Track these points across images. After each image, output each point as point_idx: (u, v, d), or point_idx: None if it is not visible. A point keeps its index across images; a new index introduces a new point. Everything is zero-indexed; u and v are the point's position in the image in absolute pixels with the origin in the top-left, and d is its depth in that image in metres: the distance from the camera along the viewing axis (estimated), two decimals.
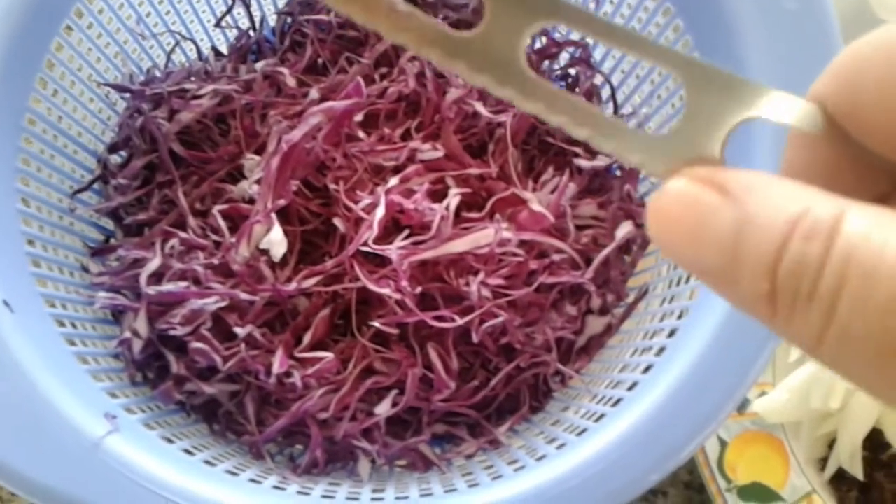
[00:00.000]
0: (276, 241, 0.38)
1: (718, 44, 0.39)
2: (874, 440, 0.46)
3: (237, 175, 0.44)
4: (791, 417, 0.46)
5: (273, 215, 0.39)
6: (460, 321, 0.38)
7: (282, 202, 0.40)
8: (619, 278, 0.44)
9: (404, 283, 0.37)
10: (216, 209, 0.42)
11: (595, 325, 0.43)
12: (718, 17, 0.38)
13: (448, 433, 0.41)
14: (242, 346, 0.38)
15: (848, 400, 0.45)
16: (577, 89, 0.50)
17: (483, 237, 0.40)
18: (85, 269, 0.42)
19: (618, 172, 0.47)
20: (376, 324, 0.38)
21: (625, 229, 0.43)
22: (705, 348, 0.34)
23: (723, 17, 0.38)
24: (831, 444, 0.47)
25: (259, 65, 0.47)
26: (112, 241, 0.45)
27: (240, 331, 0.38)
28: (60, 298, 0.38)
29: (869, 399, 0.46)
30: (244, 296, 0.38)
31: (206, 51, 0.51)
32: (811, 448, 0.48)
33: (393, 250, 0.38)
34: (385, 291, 0.38)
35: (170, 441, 0.36)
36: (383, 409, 0.39)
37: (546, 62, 0.50)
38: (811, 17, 0.37)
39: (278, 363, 0.38)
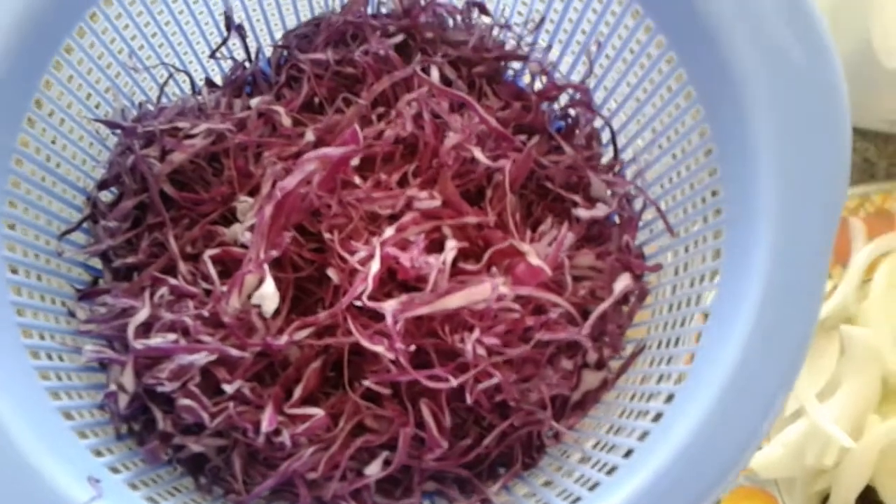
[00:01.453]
0: (268, 295, 0.38)
1: (723, 96, 0.38)
2: (868, 498, 0.46)
3: (230, 217, 0.43)
4: (785, 473, 0.46)
5: (266, 267, 0.38)
6: (455, 382, 0.37)
7: (275, 253, 0.39)
8: (616, 331, 0.44)
9: (399, 345, 0.36)
10: (207, 255, 0.41)
11: (591, 380, 0.43)
12: (723, 69, 0.38)
13: (438, 490, 0.41)
14: (230, 403, 0.37)
15: (842, 457, 0.45)
16: (576, 131, 0.49)
17: (479, 293, 0.39)
18: (72, 314, 0.41)
19: (616, 220, 0.47)
20: (369, 383, 0.38)
21: (623, 283, 0.43)
22: (705, 417, 0.34)
23: (727, 70, 0.38)
24: (825, 500, 0.47)
25: (254, 101, 0.46)
26: (100, 282, 0.44)
27: (228, 388, 0.37)
28: (45, 348, 0.38)
29: (863, 456, 0.45)
30: (234, 352, 0.37)
31: (200, 82, 0.50)
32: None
33: (388, 308, 0.37)
34: (379, 349, 0.37)
35: (155, 503, 0.35)
36: (374, 470, 0.38)
37: (546, 103, 0.49)
38: (819, 72, 0.37)
39: (267, 421, 0.37)
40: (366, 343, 0.37)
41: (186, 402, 0.37)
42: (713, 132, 0.40)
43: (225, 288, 0.39)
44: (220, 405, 0.37)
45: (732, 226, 0.38)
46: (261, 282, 0.39)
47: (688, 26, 0.39)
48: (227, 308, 0.38)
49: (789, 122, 0.36)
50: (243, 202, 0.42)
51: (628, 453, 0.36)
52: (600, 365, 0.43)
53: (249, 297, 0.39)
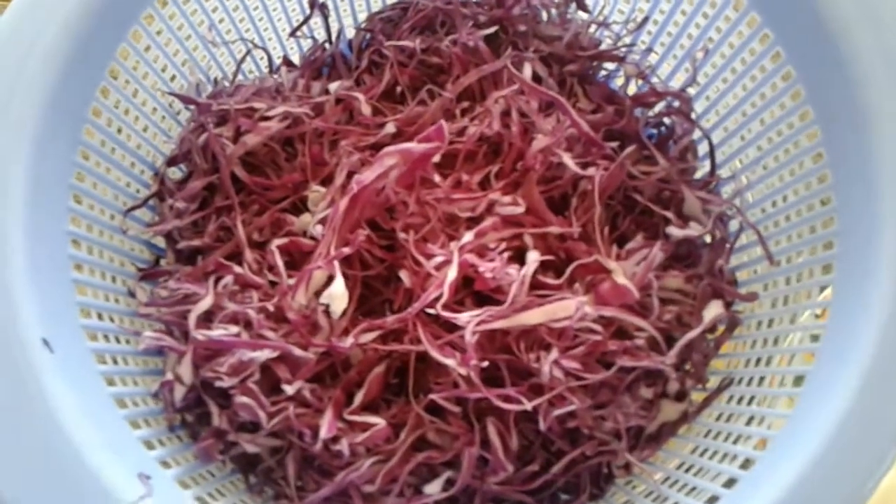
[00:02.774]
0: (338, 294, 0.35)
1: (845, 120, 0.35)
2: None
3: (300, 206, 0.41)
4: None
5: (336, 264, 0.36)
6: (529, 405, 0.35)
7: (347, 250, 0.37)
8: (701, 361, 0.40)
9: (473, 361, 0.34)
10: (275, 244, 0.39)
11: (669, 411, 0.40)
12: (848, 90, 0.34)
13: None
14: (289, 404, 0.35)
15: None
16: (671, 142, 0.46)
17: (561, 310, 0.36)
18: (131, 295, 0.39)
19: (707, 240, 0.43)
20: (436, 398, 0.35)
21: (714, 310, 0.39)
22: (808, 472, 0.30)
23: (853, 91, 0.34)
24: None
25: (333, 86, 0.43)
26: (162, 262, 0.42)
27: (289, 388, 0.35)
28: (103, 330, 0.36)
29: None
30: (298, 351, 0.35)
31: (278, 60, 0.48)
32: None
33: (464, 320, 0.35)
34: (450, 362, 0.35)
35: None
36: (434, 488, 0.35)
37: (639, 109, 0.46)
38: None
39: (326, 428, 0.35)
40: (436, 355, 0.35)
41: (244, 399, 0.35)
42: (830, 157, 0.36)
43: (292, 281, 0.37)
44: (278, 405, 0.35)
45: (846, 261, 0.35)
46: (330, 279, 0.36)
47: (811, 38, 0.36)
48: (292, 303, 0.36)
49: None
50: (315, 192, 0.40)
51: (712, 499, 0.33)
52: (681, 396, 0.40)
53: (317, 293, 0.37)
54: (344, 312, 0.38)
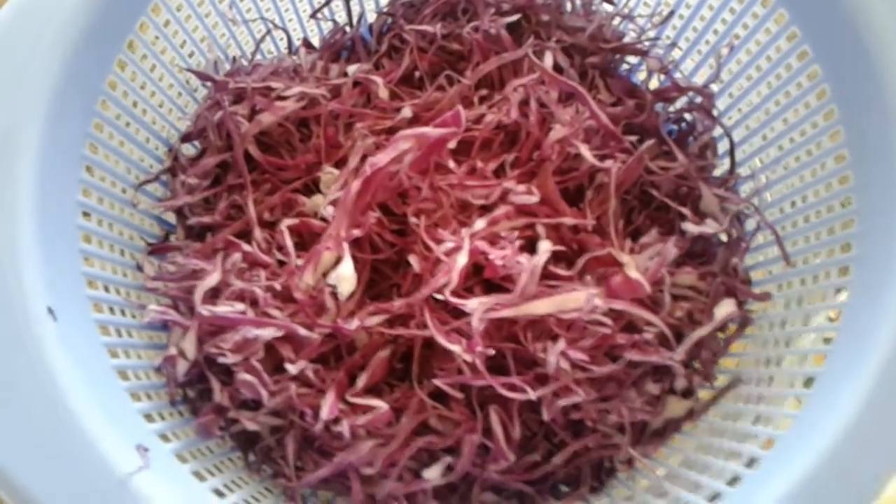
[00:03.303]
0: (346, 276, 0.35)
1: (871, 120, 0.34)
2: None
3: (312, 187, 0.41)
4: None
5: (345, 245, 0.36)
6: (534, 395, 0.34)
7: (357, 232, 0.36)
8: (710, 359, 0.40)
9: (479, 348, 0.33)
10: (285, 224, 0.38)
11: (675, 407, 0.39)
12: (876, 89, 0.34)
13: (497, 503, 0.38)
14: (292, 384, 0.35)
15: None
16: (690, 138, 0.45)
17: (571, 301, 0.36)
18: (139, 268, 0.39)
19: (722, 238, 0.43)
20: (440, 383, 0.35)
21: (726, 309, 0.39)
22: (810, 475, 0.30)
23: (881, 91, 0.34)
24: None
25: (351, 69, 0.43)
26: (171, 237, 0.42)
27: (292, 368, 0.35)
28: (108, 302, 0.36)
29: None
30: (303, 331, 0.35)
31: (297, 42, 0.48)
32: None
33: (472, 307, 0.34)
34: (456, 349, 0.34)
35: (201, 478, 0.33)
36: (434, 474, 0.35)
37: (660, 104, 0.45)
38: None
39: (328, 409, 0.34)
40: (442, 341, 0.35)
41: (247, 377, 0.34)
42: (853, 158, 0.36)
43: (300, 261, 0.37)
44: (280, 384, 0.35)
45: (864, 265, 0.34)
46: (338, 261, 0.36)
47: (839, 37, 0.35)
48: (299, 283, 0.36)
49: None
50: (328, 173, 0.40)
51: (714, 497, 0.33)
52: (688, 393, 0.40)
53: (325, 274, 0.37)
54: (351, 295, 0.38)
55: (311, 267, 0.36)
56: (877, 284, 0.32)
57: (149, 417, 0.34)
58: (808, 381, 0.34)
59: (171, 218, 0.42)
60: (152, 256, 0.40)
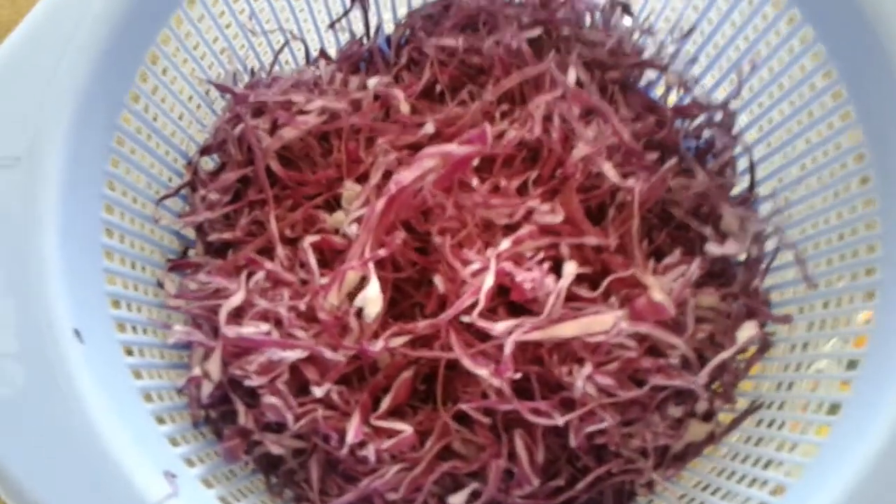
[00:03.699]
0: (373, 298, 0.35)
1: None
2: None
3: (333, 203, 0.40)
4: None
5: (371, 266, 0.36)
6: (560, 421, 0.34)
7: (382, 252, 0.36)
8: (731, 381, 0.40)
9: (509, 373, 0.33)
10: (307, 242, 0.38)
11: (697, 431, 0.39)
12: None
13: None
14: (316, 406, 0.35)
15: None
16: (709, 155, 0.45)
17: (598, 324, 0.36)
18: (160, 285, 0.39)
19: (742, 259, 0.43)
20: (467, 408, 0.35)
21: (748, 332, 0.39)
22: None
23: None
24: None
25: (371, 82, 0.43)
26: (191, 252, 0.41)
27: (318, 391, 0.34)
28: (132, 321, 0.36)
29: None
30: (329, 353, 0.34)
31: (315, 52, 0.47)
32: None
33: (499, 330, 0.34)
34: (482, 373, 0.34)
35: None
36: (459, 500, 0.35)
37: (680, 120, 0.45)
38: None
39: (353, 432, 0.34)
40: (469, 364, 0.34)
41: (273, 399, 0.34)
42: (878, 181, 0.36)
43: (324, 280, 0.37)
44: (305, 407, 0.35)
45: (889, 289, 0.34)
46: (363, 280, 0.36)
47: (864, 57, 0.35)
48: (324, 304, 0.36)
49: None
50: (350, 189, 0.39)
51: None
52: (708, 416, 0.40)
53: (349, 295, 0.36)
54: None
55: (335, 287, 0.36)
56: None
57: (174, 441, 0.33)
58: (834, 408, 0.34)
59: (190, 233, 0.42)
60: (173, 272, 0.39)
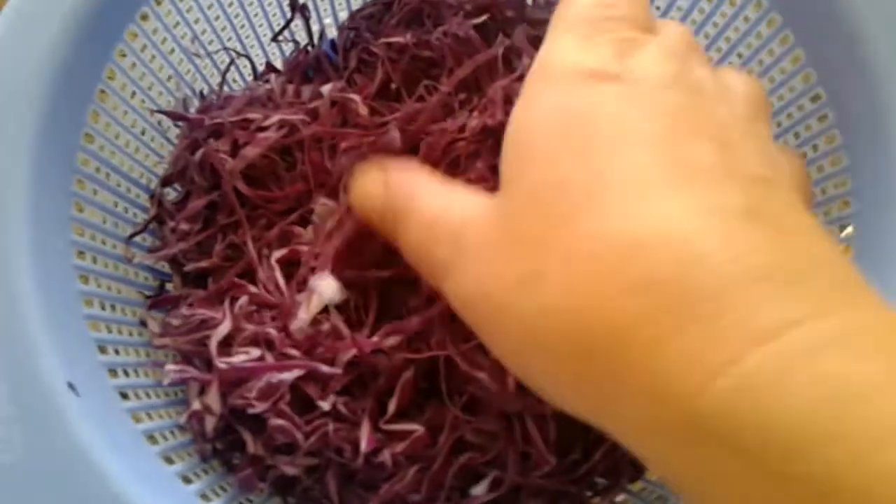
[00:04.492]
0: (327, 288, 0.34)
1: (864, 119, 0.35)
2: None
3: (308, 217, 0.40)
4: None
5: (329, 256, 0.35)
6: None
7: (336, 243, 0.36)
8: None
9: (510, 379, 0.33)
10: (274, 257, 0.37)
11: None
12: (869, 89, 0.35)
13: None
14: (325, 420, 0.34)
15: None
16: None
17: None
18: (143, 324, 0.38)
19: None
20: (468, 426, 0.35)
21: None
22: None
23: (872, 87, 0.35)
24: None
25: (325, 88, 0.42)
26: (168, 286, 0.40)
27: (324, 404, 0.34)
28: (122, 364, 0.35)
29: None
30: (325, 368, 0.34)
31: (262, 67, 0.47)
32: None
33: None
34: (481, 376, 0.34)
35: None
36: (481, 490, 0.35)
37: None
38: None
39: (366, 441, 0.34)
40: (466, 368, 0.34)
41: (279, 422, 0.34)
42: (851, 160, 0.36)
43: (298, 297, 0.36)
44: (313, 423, 0.34)
45: (865, 218, 0.35)
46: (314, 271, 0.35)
47: (827, 33, 0.36)
48: (296, 329, 0.35)
49: None
50: (323, 205, 0.39)
51: None
52: None
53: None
54: (365, 320, 0.37)
55: (304, 304, 0.35)
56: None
57: (186, 479, 0.33)
58: None
59: (164, 266, 0.41)
60: (154, 310, 0.38)
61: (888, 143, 0.34)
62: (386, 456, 0.34)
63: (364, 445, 0.34)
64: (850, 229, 0.37)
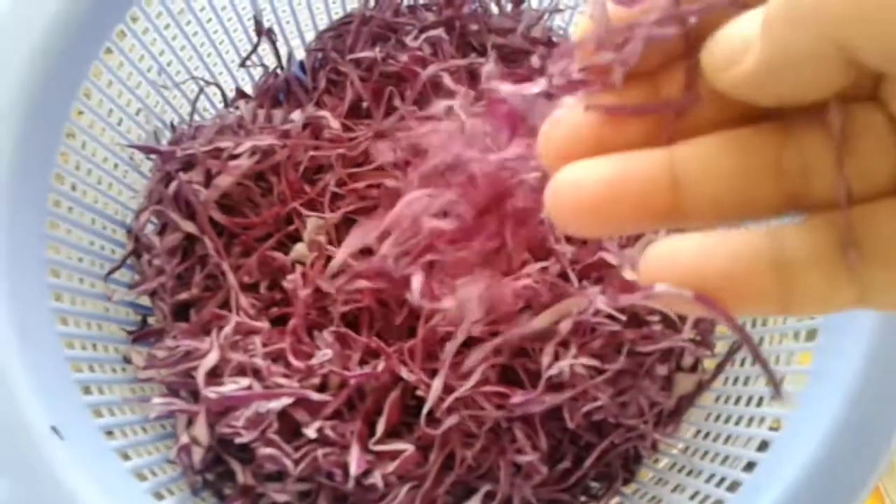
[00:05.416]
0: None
1: None
2: None
3: (285, 241, 0.40)
4: None
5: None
6: (549, 403, 0.34)
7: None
8: (707, 328, 0.41)
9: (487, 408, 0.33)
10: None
11: (685, 383, 0.40)
12: None
13: None
14: (314, 446, 0.34)
15: None
16: None
17: (573, 306, 0.36)
18: (127, 361, 0.38)
19: None
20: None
21: None
22: (837, 421, 0.31)
23: None
24: None
25: (296, 115, 0.42)
26: (150, 320, 0.40)
27: (310, 431, 0.34)
28: (106, 403, 0.34)
29: None
30: (315, 396, 0.34)
31: (231, 93, 0.47)
32: None
33: (473, 363, 0.34)
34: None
35: None
36: None
37: None
38: None
39: (355, 464, 0.34)
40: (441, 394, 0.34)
41: (268, 451, 0.34)
42: None
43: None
44: (302, 449, 0.34)
45: None
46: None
47: None
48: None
49: None
50: (314, 221, 0.38)
51: (749, 466, 0.34)
52: (694, 367, 0.40)
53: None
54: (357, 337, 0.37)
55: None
56: None
57: None
58: (811, 334, 0.35)
59: (144, 300, 0.41)
60: (136, 344, 0.38)
61: None
62: (377, 477, 0.34)
63: (354, 468, 0.34)
64: None
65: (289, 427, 0.35)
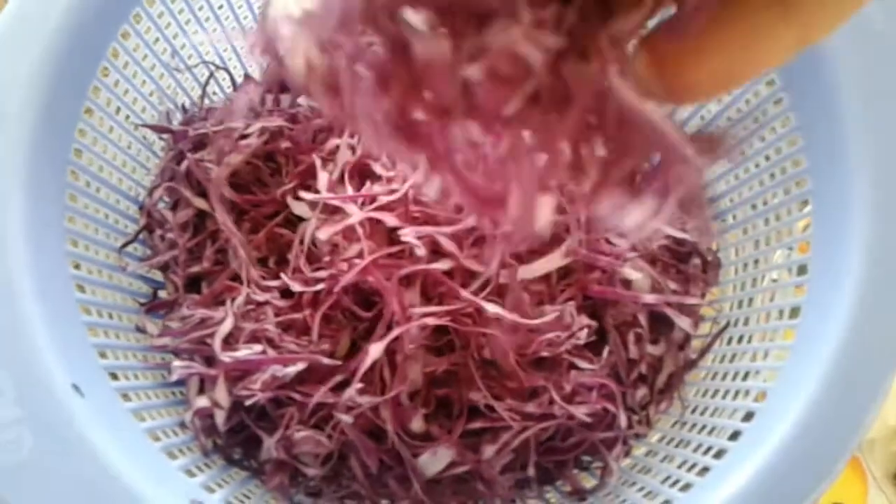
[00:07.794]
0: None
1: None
2: None
3: (292, 217, 0.41)
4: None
5: None
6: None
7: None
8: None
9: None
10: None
11: (675, 360, 0.42)
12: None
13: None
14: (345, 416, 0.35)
15: None
16: None
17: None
18: (140, 330, 0.39)
19: None
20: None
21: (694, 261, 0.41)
22: (818, 393, 0.32)
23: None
24: None
25: (303, 100, 0.44)
26: (161, 293, 0.42)
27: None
28: (122, 368, 0.36)
29: None
30: (326, 360, 0.35)
31: (240, 78, 0.48)
32: (886, 464, 0.47)
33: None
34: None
35: None
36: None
37: None
38: None
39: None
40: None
41: (305, 433, 0.35)
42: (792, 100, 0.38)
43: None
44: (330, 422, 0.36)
45: (820, 195, 0.37)
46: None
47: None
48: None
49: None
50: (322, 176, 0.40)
51: (735, 435, 0.35)
52: (682, 345, 0.42)
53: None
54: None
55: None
56: (834, 232, 0.35)
57: (189, 473, 0.34)
58: (794, 312, 0.37)
59: (156, 274, 0.42)
60: (149, 314, 0.40)
61: (841, 123, 0.36)
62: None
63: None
64: (808, 208, 0.39)
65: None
